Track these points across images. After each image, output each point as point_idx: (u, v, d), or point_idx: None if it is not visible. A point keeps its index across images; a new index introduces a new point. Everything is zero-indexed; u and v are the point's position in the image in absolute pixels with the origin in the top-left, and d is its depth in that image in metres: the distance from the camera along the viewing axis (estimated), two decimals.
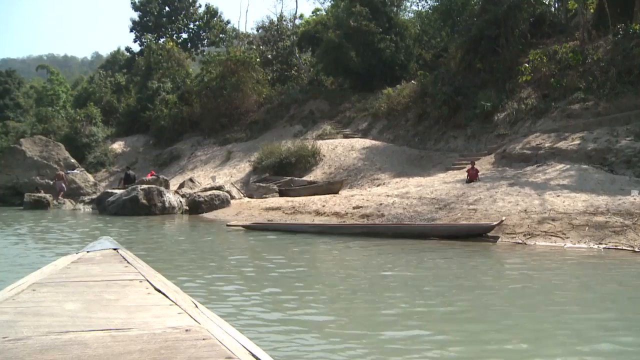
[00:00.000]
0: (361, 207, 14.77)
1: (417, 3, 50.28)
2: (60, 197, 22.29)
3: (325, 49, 32.26)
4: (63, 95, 52.26)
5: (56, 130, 37.39)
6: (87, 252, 2.58)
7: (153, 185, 18.37)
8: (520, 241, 10.24)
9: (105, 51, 66.07)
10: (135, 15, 48.85)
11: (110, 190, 20.07)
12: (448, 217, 12.49)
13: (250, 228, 12.25)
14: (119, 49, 58.76)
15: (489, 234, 10.66)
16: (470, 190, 14.75)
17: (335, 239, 11.05)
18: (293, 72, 40.57)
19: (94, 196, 21.38)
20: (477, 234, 10.62)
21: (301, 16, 43.44)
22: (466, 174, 16.66)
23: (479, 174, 16.44)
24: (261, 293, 6.56)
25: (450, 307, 6.01)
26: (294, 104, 32.51)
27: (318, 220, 14.59)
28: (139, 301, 1.78)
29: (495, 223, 10.52)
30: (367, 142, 24.85)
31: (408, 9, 36.95)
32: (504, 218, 10.81)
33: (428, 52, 33.96)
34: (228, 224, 12.56)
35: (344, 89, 32.89)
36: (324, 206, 15.53)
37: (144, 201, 17.42)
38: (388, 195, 15.63)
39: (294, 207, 16.00)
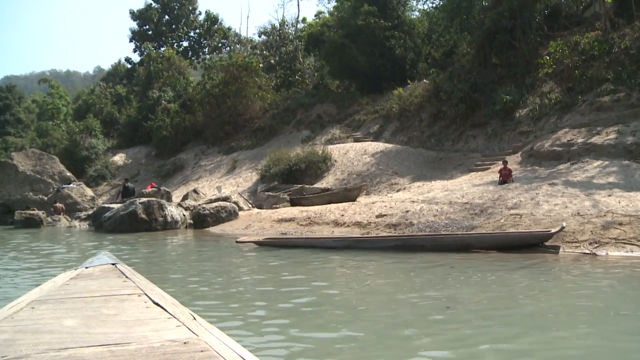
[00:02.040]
0: (385, 215, 13.06)
1: (424, 2, 48.98)
2: (54, 214, 20.57)
3: (329, 50, 30.65)
4: (64, 109, 50.70)
5: (56, 144, 35.86)
6: (86, 267, 2.56)
7: (153, 198, 16.59)
8: (587, 251, 8.46)
9: (108, 65, 64.45)
10: (135, 25, 47.37)
11: (106, 205, 18.30)
12: (489, 224, 10.77)
13: (264, 244, 10.54)
14: (119, 61, 57.23)
15: (547, 244, 8.90)
16: (507, 192, 13.04)
17: (364, 254, 9.33)
18: (297, 77, 39.00)
19: (91, 212, 19.56)
20: (533, 244, 8.86)
21: (304, 20, 41.80)
22: (498, 174, 14.93)
23: (512, 174, 14.71)
24: (286, 331, 4.84)
25: (530, 345, 4.27)
26: (300, 109, 30.85)
27: (338, 232, 12.87)
28: (138, 315, 1.77)
29: (554, 230, 8.74)
30: (380, 145, 23.16)
31: (414, 8, 35.24)
32: (564, 224, 9.04)
33: (437, 50, 32.31)
34: (238, 240, 10.83)
35: (352, 92, 31.19)
36: (342, 215, 13.82)
37: (144, 216, 15.66)
38: (413, 201, 13.92)
39: (309, 218, 14.29)
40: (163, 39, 46.63)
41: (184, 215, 16.90)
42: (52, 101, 52.29)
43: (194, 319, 1.89)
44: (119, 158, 34.62)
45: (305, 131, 28.46)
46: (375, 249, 9.50)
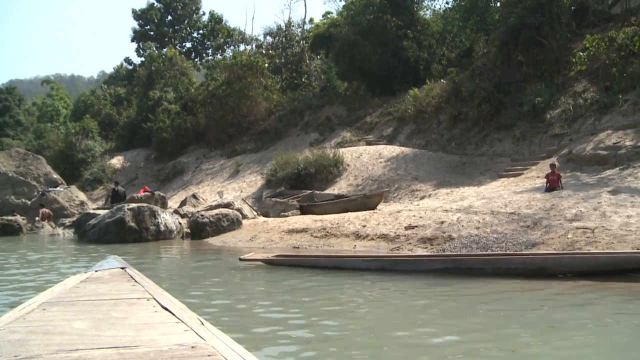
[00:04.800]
0: (416, 226, 10.83)
1: (437, 2, 47.31)
2: (38, 220, 18.30)
3: (339, 48, 28.49)
4: (64, 111, 48.55)
5: (51, 145, 33.69)
6: (96, 271, 2.55)
7: (144, 204, 14.22)
8: None
9: (111, 69, 62.11)
10: (137, 25, 45.15)
11: (92, 211, 15.91)
12: (552, 240, 8.53)
13: (275, 264, 8.30)
14: (122, 64, 55.04)
15: None
16: (560, 201, 10.82)
17: (403, 279, 7.11)
18: (304, 79, 36.82)
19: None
20: (631, 269, 6.60)
21: (311, 20, 39.66)
22: (545, 180, 12.73)
23: (561, 179, 12.49)
24: None
25: None
26: (308, 110, 28.64)
27: (361, 246, 10.63)
28: (146, 319, 1.77)
29: None
30: (396, 148, 20.94)
31: (428, 8, 33.06)
32: None
33: (452, 51, 30.15)
34: (242, 257, 8.56)
35: (362, 93, 28.96)
36: (364, 226, 11.59)
37: (133, 224, 13.31)
38: (446, 210, 11.69)
39: (324, 229, 12.05)
40: (166, 39, 44.43)
41: (180, 223, 14.62)
42: (51, 103, 50.15)
43: (202, 324, 1.88)
44: (116, 161, 32.42)
45: (314, 134, 26.27)
46: (417, 271, 7.27)
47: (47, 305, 1.93)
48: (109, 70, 69.48)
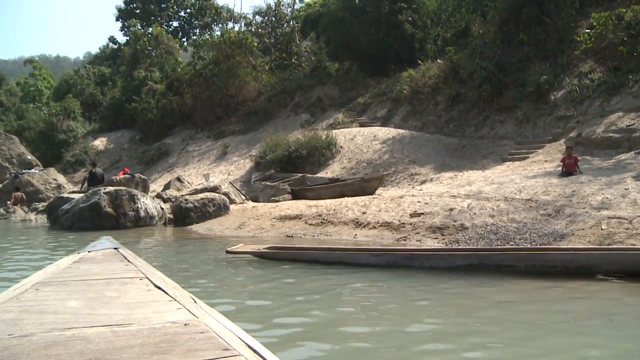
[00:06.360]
0: (422, 214, 9.64)
1: None
2: (9, 205, 16.81)
3: (328, 26, 27.05)
4: (46, 92, 46.57)
5: (32, 126, 32.02)
6: (89, 251, 2.50)
7: (123, 188, 12.80)
8: None
9: (97, 50, 59.72)
10: (122, 3, 43.13)
11: (65, 195, 14.31)
12: (583, 231, 7.37)
13: (266, 257, 7.06)
14: (107, 44, 52.91)
15: None
16: (581, 186, 9.68)
17: (418, 278, 5.92)
18: (293, 60, 35.32)
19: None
20: None
21: None
22: (559, 164, 11.58)
23: (578, 163, 11.35)
24: None
25: None
26: (298, 91, 27.23)
27: (362, 235, 9.42)
28: (139, 298, 1.74)
29: None
30: (392, 130, 19.70)
31: None
32: None
33: (447, 31, 28.79)
34: (229, 249, 7.31)
35: (354, 73, 27.59)
36: (364, 213, 10.37)
37: (109, 209, 11.82)
38: (454, 196, 10.51)
39: (320, 215, 10.82)
40: (152, 18, 42.50)
41: (162, 209, 13.24)
42: (34, 83, 48.14)
43: (195, 302, 1.87)
44: (99, 142, 30.83)
45: (305, 115, 24.93)
46: (436, 268, 6.07)
47: (41, 285, 1.90)
48: (95, 51, 67.16)
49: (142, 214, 12.32)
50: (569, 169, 10.98)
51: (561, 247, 6.35)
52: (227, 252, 7.30)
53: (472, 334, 4.00)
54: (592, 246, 6.33)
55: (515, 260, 5.78)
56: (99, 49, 57.11)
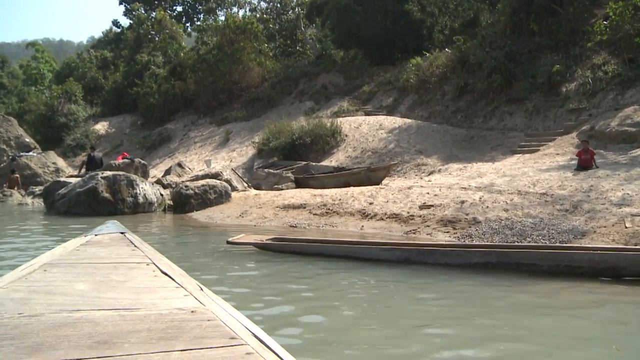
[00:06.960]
0: (432, 206, 9.19)
1: None
2: (4, 188, 16.35)
3: (330, 13, 26.46)
4: (49, 75, 45.98)
5: (33, 109, 31.51)
6: (95, 235, 2.49)
7: (121, 173, 12.35)
8: None
9: (100, 34, 58.80)
10: None
11: (62, 179, 13.84)
12: (607, 229, 6.92)
13: (270, 249, 6.63)
14: (111, 28, 52.21)
15: None
16: (599, 182, 9.22)
17: (434, 276, 5.49)
18: (298, 47, 34.72)
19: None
20: None
21: None
22: (577, 157, 11.09)
23: (594, 157, 10.88)
24: None
25: None
26: (303, 78, 26.68)
27: (369, 227, 8.98)
28: (146, 283, 1.73)
29: None
30: (398, 119, 19.20)
31: None
32: None
33: (455, 21, 28.17)
34: (229, 240, 6.89)
35: (360, 62, 27.02)
36: (371, 204, 9.92)
37: (107, 195, 11.35)
38: (464, 188, 10.06)
39: (325, 205, 10.37)
40: (155, 2, 41.80)
41: (162, 195, 12.79)
42: (36, 66, 47.54)
43: (201, 289, 1.84)
44: (100, 127, 30.32)
45: (309, 102, 24.41)
46: (452, 265, 5.62)
47: (48, 266, 1.88)
48: (99, 35, 66.38)
49: (141, 200, 11.88)
50: (585, 163, 10.52)
51: (586, 245, 5.89)
52: (228, 242, 6.86)
53: (500, 339, 3.56)
54: (620, 246, 5.88)
55: (538, 259, 5.33)
56: (102, 32, 56.33)
